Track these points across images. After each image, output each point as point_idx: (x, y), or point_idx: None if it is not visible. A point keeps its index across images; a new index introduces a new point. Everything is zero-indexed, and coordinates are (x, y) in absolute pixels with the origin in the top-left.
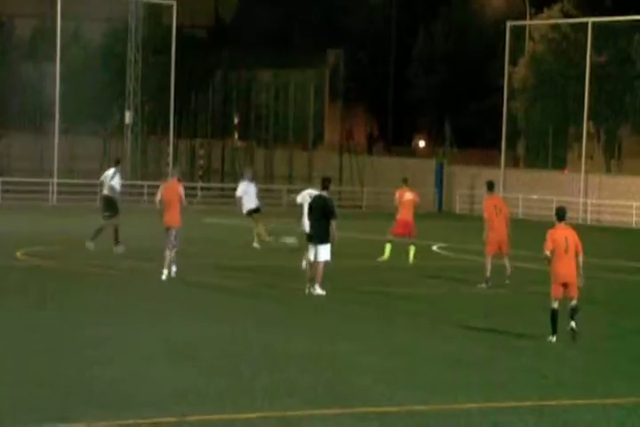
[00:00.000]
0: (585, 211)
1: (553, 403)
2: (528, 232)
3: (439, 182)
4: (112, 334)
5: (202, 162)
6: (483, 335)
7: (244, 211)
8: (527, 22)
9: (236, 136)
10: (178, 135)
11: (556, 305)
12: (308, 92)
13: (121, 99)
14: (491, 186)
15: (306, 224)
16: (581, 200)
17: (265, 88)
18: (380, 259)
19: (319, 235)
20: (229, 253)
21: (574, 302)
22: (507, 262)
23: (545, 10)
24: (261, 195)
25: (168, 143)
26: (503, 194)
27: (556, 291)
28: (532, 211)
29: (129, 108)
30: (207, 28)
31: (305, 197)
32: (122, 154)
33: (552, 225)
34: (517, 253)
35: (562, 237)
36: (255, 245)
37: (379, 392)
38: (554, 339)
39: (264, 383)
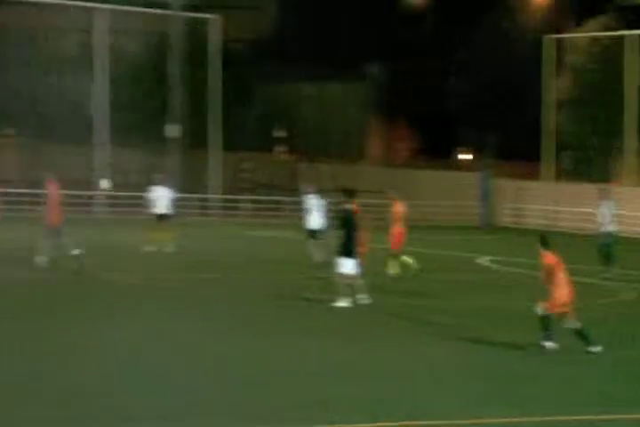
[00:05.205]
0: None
1: (605, 417)
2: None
3: (485, 195)
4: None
5: (247, 175)
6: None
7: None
8: (566, 35)
9: (281, 150)
10: (222, 149)
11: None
12: (351, 106)
13: (165, 113)
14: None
15: None
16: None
17: (309, 101)
18: (394, 274)
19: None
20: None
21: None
22: None
23: (586, 22)
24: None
25: (212, 157)
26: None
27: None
28: (579, 224)
29: (173, 122)
30: (249, 41)
31: None
32: (166, 167)
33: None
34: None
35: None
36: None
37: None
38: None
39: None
